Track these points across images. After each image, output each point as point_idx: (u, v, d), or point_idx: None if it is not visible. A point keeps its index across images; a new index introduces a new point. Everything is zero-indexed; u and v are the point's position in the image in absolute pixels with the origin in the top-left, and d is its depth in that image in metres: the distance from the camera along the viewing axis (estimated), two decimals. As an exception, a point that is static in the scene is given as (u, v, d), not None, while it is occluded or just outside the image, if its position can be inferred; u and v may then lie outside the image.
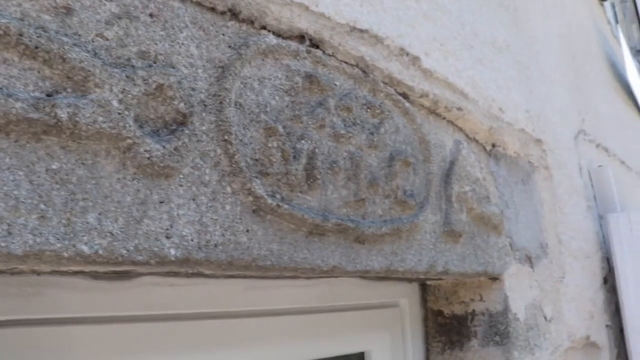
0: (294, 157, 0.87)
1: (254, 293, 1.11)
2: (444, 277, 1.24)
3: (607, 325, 1.96)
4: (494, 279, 1.42)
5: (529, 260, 1.55)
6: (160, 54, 0.75)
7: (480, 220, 1.32)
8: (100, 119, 0.66)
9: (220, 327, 1.08)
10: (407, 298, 1.49)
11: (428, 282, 1.51)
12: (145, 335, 0.98)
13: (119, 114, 0.69)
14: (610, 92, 3.32)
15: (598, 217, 2.09)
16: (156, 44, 0.75)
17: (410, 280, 1.45)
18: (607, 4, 4.27)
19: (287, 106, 0.89)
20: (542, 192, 1.71)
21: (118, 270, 0.76)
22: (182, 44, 0.78)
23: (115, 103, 0.68)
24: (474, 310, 1.45)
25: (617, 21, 5.16)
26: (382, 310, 1.42)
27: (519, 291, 1.48)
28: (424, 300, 1.55)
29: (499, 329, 1.42)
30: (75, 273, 0.81)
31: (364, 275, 1.00)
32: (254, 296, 1.11)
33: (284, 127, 0.87)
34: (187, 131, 0.75)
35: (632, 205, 2.55)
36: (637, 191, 3.09)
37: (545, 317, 1.58)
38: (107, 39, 0.70)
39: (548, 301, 1.61)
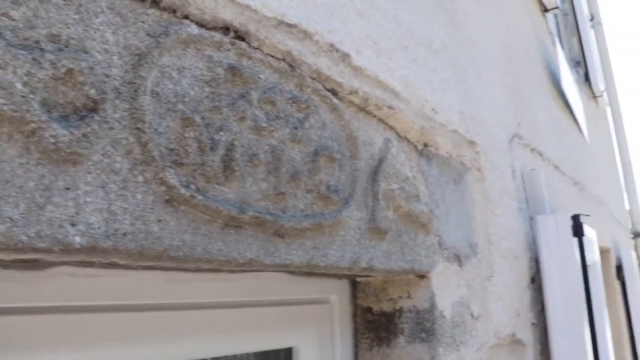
0: (212, 148, 0.86)
1: (176, 286, 1.10)
2: (369, 273, 1.25)
3: (532, 323, 2.02)
4: (422, 276, 1.44)
5: (458, 259, 1.58)
6: (73, 38, 0.74)
7: (408, 218, 1.34)
8: (2, 101, 0.65)
9: (140, 320, 1.07)
10: (336, 295, 1.50)
11: (358, 279, 1.52)
12: (61, 327, 0.95)
13: (23, 97, 0.67)
14: (547, 100, 3.42)
15: (529, 218, 2.15)
16: (68, 27, 0.73)
17: (339, 277, 1.46)
18: (549, 15, 4.40)
19: (206, 97, 0.88)
20: (474, 193, 1.74)
21: (24, 258, 0.74)
22: (97, 29, 0.77)
23: (19, 86, 0.67)
24: (401, 308, 1.47)
25: (558, 32, 5.32)
26: (311, 306, 1.43)
27: (447, 289, 1.51)
28: (354, 297, 1.56)
29: (425, 325, 1.44)
30: (-20, 261, 0.79)
31: (284, 269, 1.00)
32: (175, 289, 1.10)
33: (202, 118, 0.86)
34: (97, 118, 0.74)
35: (563, 208, 2.63)
36: (569, 195, 3.19)
37: (472, 315, 1.61)
38: (13, 19, 0.68)
39: (475, 299, 1.64)
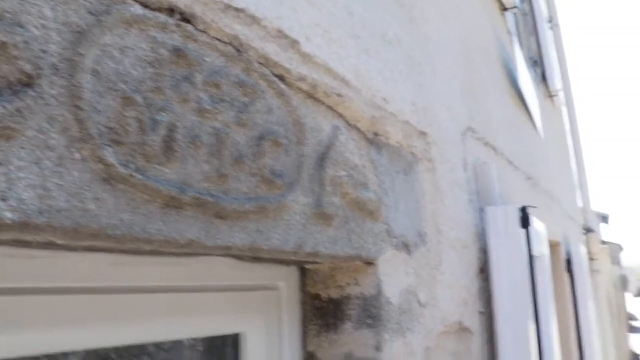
0: (152, 128, 0.86)
1: (120, 269, 1.09)
2: (315, 259, 1.26)
3: (480, 312, 2.07)
4: (369, 263, 1.46)
5: (407, 247, 1.61)
6: (7, 12, 0.72)
7: (356, 205, 1.36)
8: None
9: (83, 303, 1.06)
10: (285, 281, 1.51)
11: (307, 266, 1.53)
12: (-2, 309, 0.94)
13: (-47, 69, 0.66)
14: (503, 97, 3.49)
15: (479, 210, 2.19)
16: (3, 0, 0.72)
17: (287, 264, 1.46)
18: (508, 14, 4.48)
19: (149, 77, 0.88)
20: (424, 183, 1.77)
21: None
22: (35, 4, 0.76)
23: (-52, 57, 0.66)
24: (349, 294, 1.49)
25: (517, 31, 5.42)
26: (259, 292, 1.43)
27: (394, 276, 1.53)
28: (303, 285, 1.57)
29: (371, 312, 1.46)
30: None
31: (227, 252, 1.01)
32: (119, 272, 1.09)
33: (143, 98, 0.86)
34: (32, 93, 0.73)
35: (515, 202, 2.69)
36: (522, 189, 3.27)
37: (419, 303, 1.64)
38: (-56, -9, 0.67)
39: (423, 287, 1.67)
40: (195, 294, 1.26)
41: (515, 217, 2.08)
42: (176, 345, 1.27)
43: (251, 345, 1.41)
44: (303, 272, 1.57)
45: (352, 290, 1.49)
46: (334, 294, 1.52)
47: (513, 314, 2.01)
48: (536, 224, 2.30)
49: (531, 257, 2.08)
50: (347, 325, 1.49)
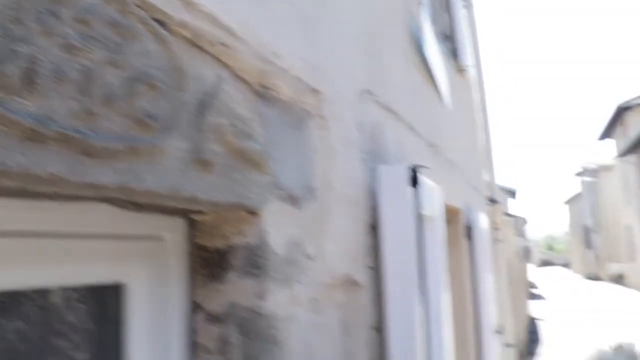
0: (11, 59, 0.84)
1: (-12, 211, 1.07)
2: (195, 205, 1.27)
3: (369, 267, 2.16)
4: (254, 214, 1.48)
5: (295, 200, 1.65)
6: None
7: (240, 155, 1.38)
8: None
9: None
10: (171, 232, 1.51)
11: (194, 218, 1.54)
12: None
13: None
14: (409, 66, 3.58)
15: (372, 170, 2.26)
16: None
17: (172, 214, 1.47)
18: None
19: (7, 6, 0.86)
20: (316, 140, 1.81)
21: None
22: None
23: None
24: (234, 245, 1.52)
25: (431, 5, 5.54)
26: (143, 243, 1.43)
27: (280, 228, 1.57)
28: (191, 236, 1.58)
29: (256, 262, 1.50)
30: None
31: (97, 193, 1.00)
32: (-13, 214, 1.07)
33: (1, 28, 0.84)
34: None
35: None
36: (422, 156, 3.39)
37: (307, 255, 1.69)
38: None
39: (311, 240, 1.72)
40: (72, 240, 1.24)
41: (405, 175, 2.16)
42: (54, 294, 1.26)
43: (134, 296, 1.41)
44: (192, 224, 1.58)
45: (238, 241, 1.52)
46: (220, 244, 1.54)
47: (400, 270, 2.11)
48: (427, 184, 2.40)
49: (420, 216, 2.17)
50: (232, 275, 1.52)
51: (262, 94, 1.55)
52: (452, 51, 6.91)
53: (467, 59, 7.60)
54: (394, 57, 3.09)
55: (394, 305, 2.10)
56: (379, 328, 2.15)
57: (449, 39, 7.12)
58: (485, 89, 10.04)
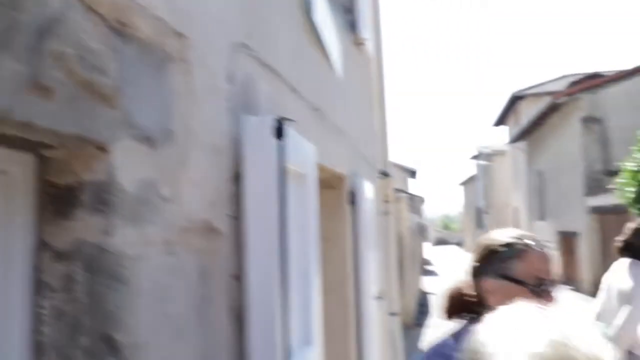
0: None
1: None
2: (32, 134, 1.25)
3: (231, 216, 2.19)
4: (103, 150, 1.47)
5: (150, 141, 1.64)
6: None
7: (87, 87, 1.36)
8: None
9: None
10: (18, 167, 1.48)
11: (45, 154, 1.51)
12: None
13: None
14: (296, 30, 3.61)
15: (239, 120, 2.28)
16: None
17: (19, 149, 1.43)
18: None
19: None
20: (177, 83, 1.81)
21: None
22: None
23: None
24: (83, 181, 1.50)
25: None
26: (-15, 176, 1.39)
27: (132, 167, 1.56)
28: (42, 173, 1.55)
29: (103, 198, 1.49)
30: None
31: None
32: None
33: None
34: None
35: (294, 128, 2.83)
36: (303, 117, 3.45)
37: (161, 197, 1.70)
38: None
39: (166, 183, 1.73)
40: None
41: (269, 127, 2.20)
42: None
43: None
44: (43, 161, 1.55)
45: (86, 177, 1.50)
46: (69, 180, 1.52)
47: (261, 220, 2.16)
48: (296, 139, 2.45)
49: (285, 169, 2.23)
50: (79, 211, 1.50)
51: (119, 30, 1.53)
52: (351, 23, 7.01)
53: (366, 32, 7.74)
54: (277, 16, 3.11)
55: (254, 255, 2.15)
56: (239, 276, 2.20)
57: (349, 11, 7.22)
58: (383, 65, 10.28)
